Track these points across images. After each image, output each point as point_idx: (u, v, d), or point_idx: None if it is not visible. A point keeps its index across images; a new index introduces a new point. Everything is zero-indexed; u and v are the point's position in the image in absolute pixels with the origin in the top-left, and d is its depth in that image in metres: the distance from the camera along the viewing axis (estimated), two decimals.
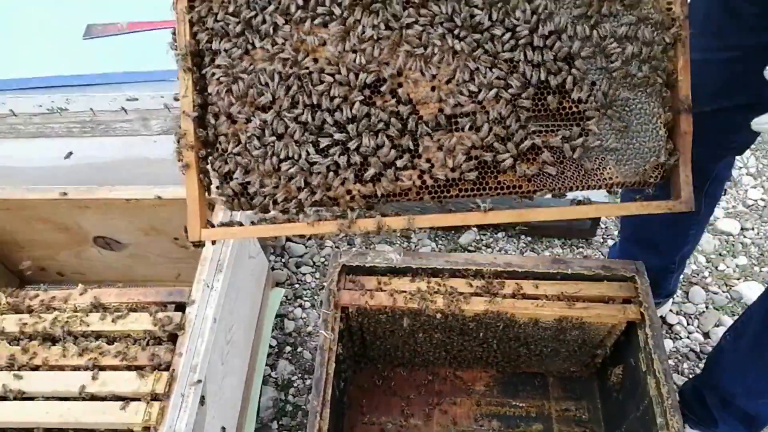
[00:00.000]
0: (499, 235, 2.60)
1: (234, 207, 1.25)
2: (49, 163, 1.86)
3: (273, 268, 2.48)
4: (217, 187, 1.25)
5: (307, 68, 1.19)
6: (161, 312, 1.51)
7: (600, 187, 1.25)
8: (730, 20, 1.40)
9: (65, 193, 1.79)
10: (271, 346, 2.27)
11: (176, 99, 1.23)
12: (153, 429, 1.35)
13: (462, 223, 1.28)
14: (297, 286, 2.47)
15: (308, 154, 1.19)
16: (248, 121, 1.21)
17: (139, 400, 1.38)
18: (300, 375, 2.24)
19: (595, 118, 1.20)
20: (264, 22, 1.20)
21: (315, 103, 1.19)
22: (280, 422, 2.12)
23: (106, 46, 1.73)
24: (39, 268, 2.16)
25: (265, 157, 1.20)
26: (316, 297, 2.44)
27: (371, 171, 1.20)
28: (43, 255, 2.10)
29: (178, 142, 1.22)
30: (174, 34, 1.22)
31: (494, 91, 1.18)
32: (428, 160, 1.21)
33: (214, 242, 1.28)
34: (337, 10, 1.19)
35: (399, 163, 1.20)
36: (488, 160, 1.20)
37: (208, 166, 1.25)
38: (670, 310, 2.35)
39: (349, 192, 1.22)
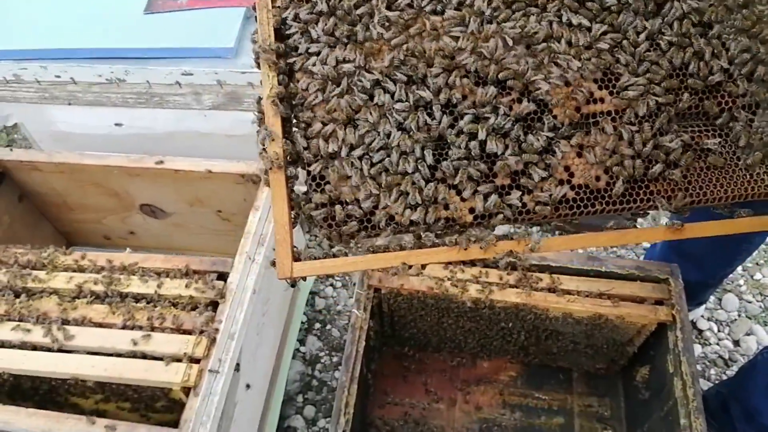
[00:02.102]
0: (534, 229, 2.60)
1: (332, 235, 1.00)
2: (104, 131, 1.93)
3: (308, 246, 2.53)
4: (313, 216, 1.00)
5: (426, 63, 1.01)
6: (204, 280, 1.57)
7: None
8: None
9: (118, 161, 1.85)
10: (301, 322, 2.34)
11: (258, 105, 1.02)
12: (191, 389, 1.41)
13: (626, 242, 1.11)
14: None
15: (423, 159, 0.99)
16: (352, 124, 1.01)
17: (179, 361, 1.44)
18: (327, 352, 2.30)
19: (761, 108, 1.05)
20: (368, 8, 1.04)
21: (429, 101, 1.00)
22: (306, 396, 2.19)
23: (166, 21, 1.77)
24: (85, 230, 2.26)
25: (379, 170, 0.99)
26: (347, 277, 2.49)
27: (498, 182, 1.00)
28: (90, 218, 2.18)
29: (263, 151, 1.00)
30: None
31: (641, 86, 1.03)
32: (567, 168, 1.02)
33: (304, 278, 1.03)
34: None
35: (534, 171, 1.01)
36: (636, 165, 1.02)
37: (300, 188, 1.03)
38: (702, 316, 2.33)
39: (472, 210, 1.00)
